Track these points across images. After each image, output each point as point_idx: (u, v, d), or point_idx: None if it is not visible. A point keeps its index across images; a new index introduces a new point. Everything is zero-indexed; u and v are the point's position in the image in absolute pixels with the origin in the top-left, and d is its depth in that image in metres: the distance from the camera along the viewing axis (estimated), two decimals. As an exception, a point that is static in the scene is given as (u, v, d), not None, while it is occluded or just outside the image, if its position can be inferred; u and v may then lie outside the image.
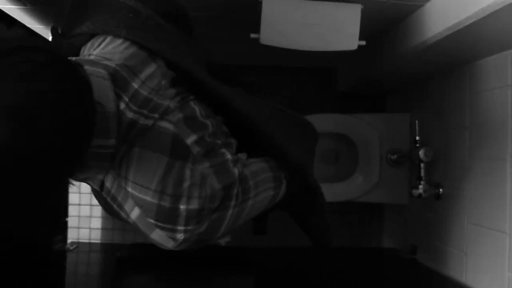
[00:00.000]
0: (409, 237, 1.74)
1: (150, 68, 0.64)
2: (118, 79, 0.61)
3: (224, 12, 1.28)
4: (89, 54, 0.67)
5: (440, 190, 1.47)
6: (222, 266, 1.13)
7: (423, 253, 1.62)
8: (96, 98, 0.55)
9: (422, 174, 1.47)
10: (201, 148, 0.63)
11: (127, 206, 0.62)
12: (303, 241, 1.98)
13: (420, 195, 1.46)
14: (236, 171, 0.66)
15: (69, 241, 1.90)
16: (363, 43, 1.20)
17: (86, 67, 0.58)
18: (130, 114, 0.60)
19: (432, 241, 1.54)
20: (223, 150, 0.66)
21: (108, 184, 0.63)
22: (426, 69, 1.52)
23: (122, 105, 0.60)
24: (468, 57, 1.31)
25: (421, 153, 1.46)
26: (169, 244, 0.63)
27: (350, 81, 1.89)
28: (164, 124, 0.62)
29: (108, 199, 0.64)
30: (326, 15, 1.16)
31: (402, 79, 1.75)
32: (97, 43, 0.68)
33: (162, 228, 0.61)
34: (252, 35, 1.17)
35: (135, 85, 0.62)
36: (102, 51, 0.65)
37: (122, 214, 0.64)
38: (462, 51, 1.25)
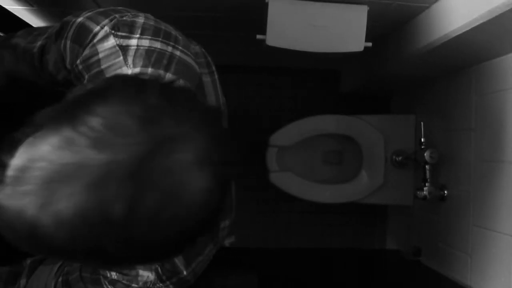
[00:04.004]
0: (413, 239, 1.74)
1: None
2: None
3: (230, 13, 1.28)
4: None
5: (445, 192, 1.47)
6: (224, 266, 1.13)
7: (427, 255, 1.62)
8: None
9: (427, 176, 1.47)
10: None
11: None
12: (304, 241, 1.99)
13: (425, 197, 1.45)
14: None
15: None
16: (369, 44, 1.20)
17: None
18: None
19: (436, 243, 1.54)
20: None
21: None
22: (432, 71, 1.52)
23: None
24: (474, 59, 1.31)
25: (426, 154, 1.46)
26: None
27: (355, 83, 1.89)
28: None
29: None
30: (332, 16, 1.16)
31: (407, 81, 1.74)
32: None
33: None
34: (258, 36, 1.17)
35: None
36: None
37: None
38: (468, 53, 1.25)
